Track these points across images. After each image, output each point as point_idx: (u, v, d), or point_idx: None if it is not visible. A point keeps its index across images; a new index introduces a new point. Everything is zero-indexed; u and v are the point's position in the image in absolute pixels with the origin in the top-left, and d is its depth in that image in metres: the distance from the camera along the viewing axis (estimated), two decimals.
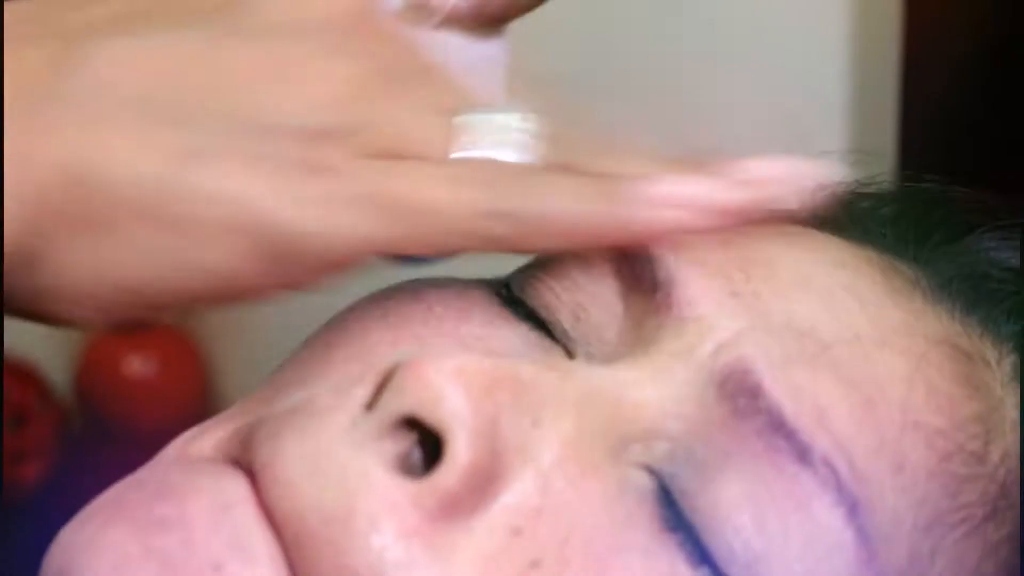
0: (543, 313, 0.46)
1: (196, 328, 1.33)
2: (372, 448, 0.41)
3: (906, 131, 0.87)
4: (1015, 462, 0.45)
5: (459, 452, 0.40)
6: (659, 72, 1.01)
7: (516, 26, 0.48)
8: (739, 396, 0.42)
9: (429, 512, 0.40)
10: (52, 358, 1.29)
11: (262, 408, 0.44)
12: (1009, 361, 0.47)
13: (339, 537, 0.40)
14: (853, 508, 0.42)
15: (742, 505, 0.42)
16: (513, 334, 0.46)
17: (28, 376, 1.26)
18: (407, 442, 0.41)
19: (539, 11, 0.48)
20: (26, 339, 1.23)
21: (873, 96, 0.92)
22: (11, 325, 1.24)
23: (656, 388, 0.43)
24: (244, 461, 0.42)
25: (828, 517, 0.42)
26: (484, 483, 0.40)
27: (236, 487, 0.41)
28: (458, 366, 0.41)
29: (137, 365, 1.30)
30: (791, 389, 0.42)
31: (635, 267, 0.45)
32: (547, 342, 0.46)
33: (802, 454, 0.42)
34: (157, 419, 1.24)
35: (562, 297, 0.46)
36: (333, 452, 0.41)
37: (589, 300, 0.46)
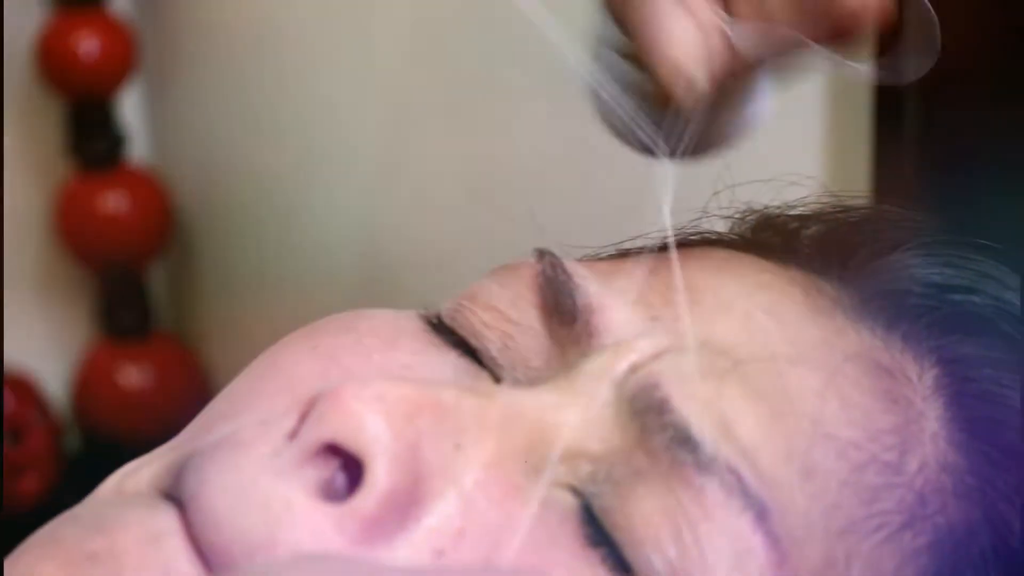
0: (472, 340, 0.48)
1: (193, 338, 1.35)
2: (294, 476, 0.42)
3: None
4: (935, 473, 0.46)
5: (379, 477, 0.41)
6: None
7: None
8: (648, 412, 0.44)
9: (351, 536, 0.41)
10: (49, 371, 1.30)
11: (194, 441, 0.45)
12: (931, 375, 0.48)
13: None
14: (761, 512, 0.43)
15: (657, 520, 0.43)
16: (442, 361, 0.47)
17: (25, 389, 1.27)
18: (330, 468, 0.42)
19: None
20: (23, 352, 1.25)
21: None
22: (7, 337, 1.25)
23: (577, 410, 0.45)
24: (175, 494, 0.43)
25: (737, 523, 0.43)
26: (406, 506, 0.42)
27: (166, 520, 0.42)
28: (378, 393, 0.42)
29: (134, 376, 1.30)
30: (697, 403, 0.44)
31: (558, 296, 0.47)
32: (475, 368, 0.47)
33: (707, 465, 0.43)
34: (155, 430, 1.25)
35: (490, 325, 0.48)
36: (256, 482, 0.42)
37: (515, 329, 0.48)
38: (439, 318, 0.49)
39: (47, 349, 1.30)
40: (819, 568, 0.44)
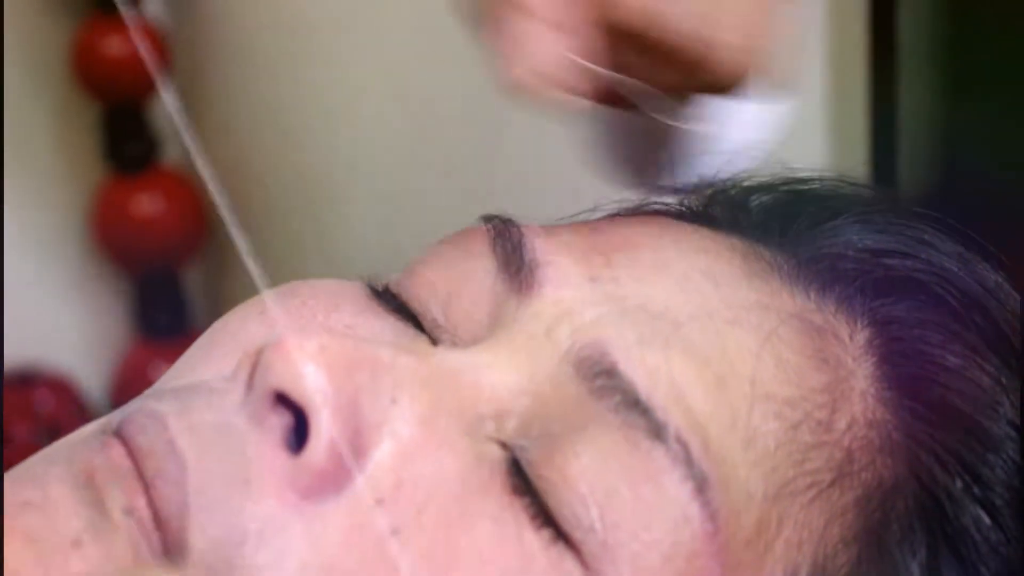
0: (414, 305, 0.49)
1: None
2: (263, 422, 0.44)
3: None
4: (863, 430, 0.47)
5: (322, 428, 0.43)
6: None
7: None
8: (596, 377, 0.45)
9: (304, 488, 0.43)
10: (87, 371, 1.32)
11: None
12: (863, 335, 0.49)
13: (235, 500, 0.43)
14: (702, 484, 0.44)
15: (590, 474, 0.44)
16: (382, 324, 0.49)
17: (64, 390, 1.29)
18: (288, 417, 0.44)
19: None
20: (60, 353, 1.27)
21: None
22: (47, 339, 1.27)
23: (510, 370, 0.46)
24: (121, 428, 0.44)
25: (676, 491, 0.44)
26: (349, 457, 0.43)
27: (101, 456, 0.44)
28: (320, 345, 0.44)
29: None
30: (646, 369, 0.45)
31: (507, 247, 0.48)
32: (413, 332, 0.49)
33: (657, 430, 0.44)
34: None
35: (437, 286, 0.49)
36: (235, 423, 0.44)
37: (463, 281, 0.49)
38: (385, 287, 0.50)
39: (85, 350, 1.33)
40: (752, 535, 0.45)
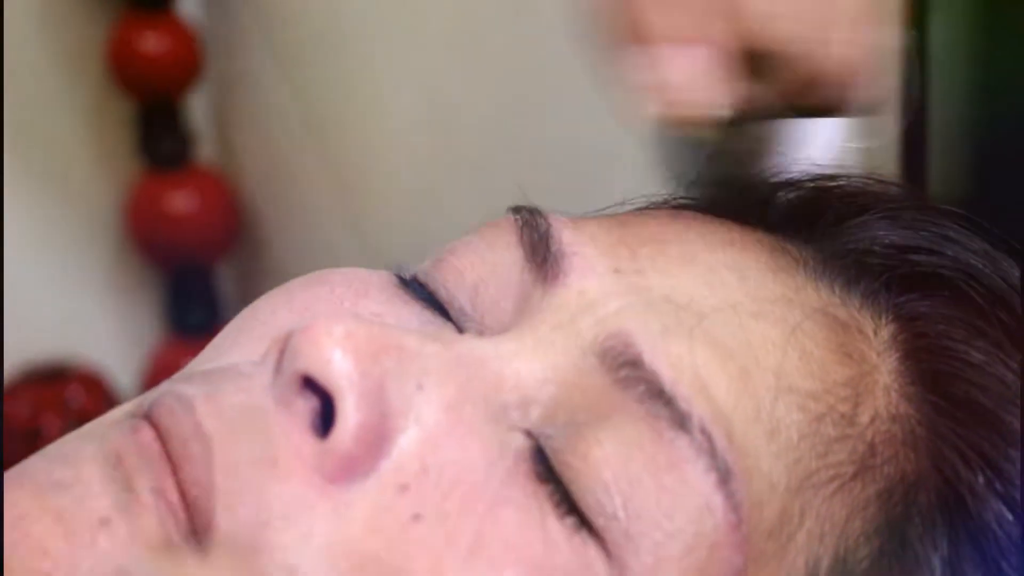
0: (441, 293, 0.50)
1: None
2: (291, 405, 0.44)
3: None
4: (885, 424, 0.47)
5: (349, 413, 0.43)
6: None
7: None
8: (621, 368, 0.45)
9: (329, 474, 0.44)
10: (119, 367, 1.33)
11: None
12: (888, 330, 0.49)
13: (262, 481, 0.43)
14: (725, 475, 0.44)
15: (613, 462, 0.44)
16: (409, 312, 0.49)
17: (95, 384, 1.30)
18: (315, 401, 0.44)
19: None
20: (93, 348, 1.28)
21: None
22: (79, 334, 1.28)
23: (535, 359, 0.46)
24: (150, 411, 0.45)
25: (700, 482, 0.44)
26: (374, 444, 0.44)
27: (131, 439, 0.44)
28: (348, 330, 0.44)
29: None
30: (669, 359, 0.45)
31: (534, 237, 0.49)
32: (440, 320, 0.49)
33: (681, 421, 0.44)
34: None
35: (465, 275, 0.50)
36: (262, 405, 0.44)
37: (490, 272, 0.49)
38: (413, 276, 0.51)
39: (117, 345, 1.33)
40: (774, 526, 0.45)
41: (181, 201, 1.31)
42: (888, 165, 0.79)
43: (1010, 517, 0.46)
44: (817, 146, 0.58)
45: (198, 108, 1.32)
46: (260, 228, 1.34)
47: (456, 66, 1.08)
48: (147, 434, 0.44)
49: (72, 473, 0.44)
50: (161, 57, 1.26)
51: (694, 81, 0.48)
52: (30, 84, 1.25)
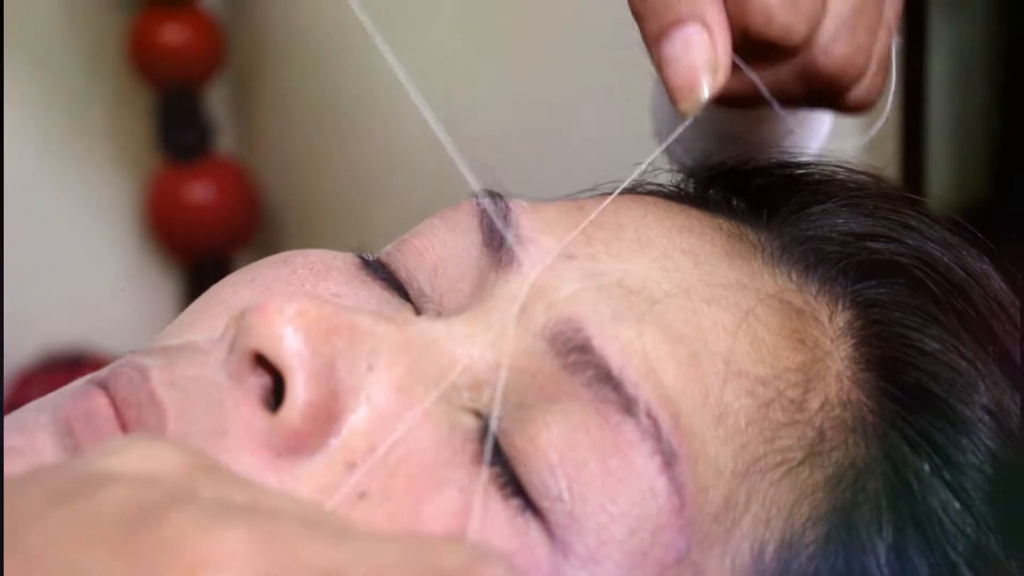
0: (401, 274, 0.50)
1: None
2: (243, 380, 0.45)
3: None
4: (836, 410, 0.47)
5: (298, 390, 0.44)
6: None
7: None
8: (570, 352, 0.46)
9: (276, 449, 0.44)
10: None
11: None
12: (843, 317, 0.49)
13: (212, 452, 0.43)
14: (670, 459, 0.44)
15: (560, 445, 0.44)
16: (368, 293, 0.50)
17: None
18: (267, 378, 0.45)
19: None
20: (112, 340, 1.29)
21: None
22: (97, 322, 1.29)
23: (486, 342, 0.46)
24: (106, 379, 0.45)
25: (644, 465, 0.44)
26: (323, 422, 0.44)
27: (82, 405, 0.45)
28: (300, 309, 0.45)
29: None
30: (619, 344, 0.45)
31: (492, 224, 0.49)
32: (398, 301, 0.49)
33: (627, 405, 0.45)
34: None
35: (425, 255, 0.50)
36: (216, 380, 0.45)
37: (450, 254, 0.50)
38: (376, 258, 0.51)
39: (135, 334, 1.34)
40: (719, 510, 0.45)
41: (201, 192, 1.32)
42: (888, 165, 0.79)
43: (957, 505, 0.46)
44: (809, 137, 0.58)
45: (218, 99, 1.32)
46: (279, 218, 1.35)
47: (475, 57, 1.09)
48: (100, 400, 0.45)
49: (26, 441, 0.44)
50: (181, 48, 1.27)
51: (703, 61, 0.49)
52: (52, 74, 1.26)
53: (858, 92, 0.54)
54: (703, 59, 0.49)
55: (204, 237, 1.32)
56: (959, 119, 0.94)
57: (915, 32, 0.90)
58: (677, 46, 0.49)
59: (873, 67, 0.54)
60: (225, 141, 1.33)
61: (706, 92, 0.49)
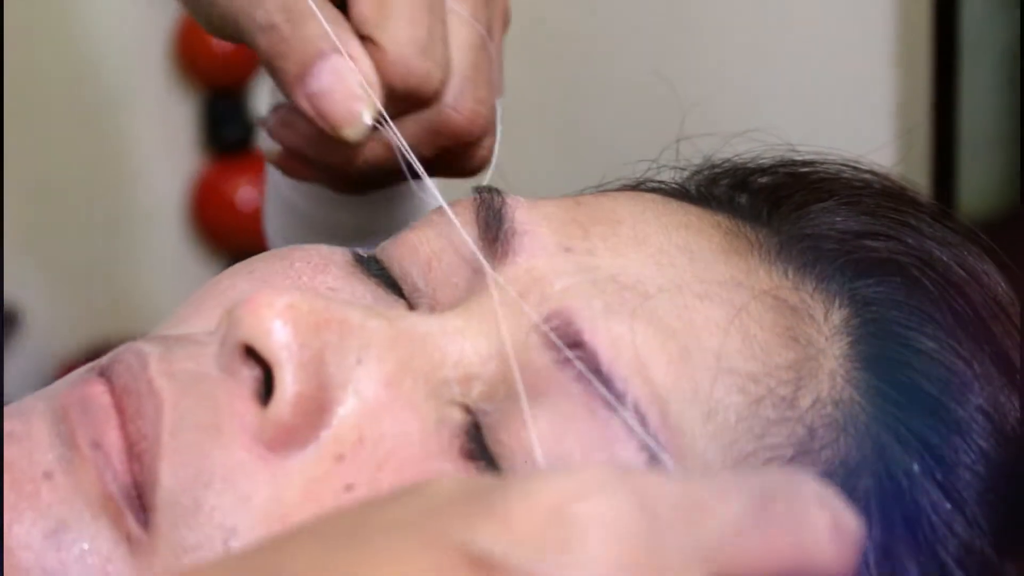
0: (395, 270, 0.50)
1: None
2: (237, 373, 0.45)
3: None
4: (827, 408, 0.47)
5: (287, 383, 0.44)
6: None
7: None
8: (561, 347, 0.46)
9: (270, 441, 0.44)
10: None
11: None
12: (839, 315, 0.49)
13: (206, 445, 0.44)
14: (656, 456, 0.44)
15: (546, 439, 0.44)
16: (363, 288, 0.50)
17: None
18: (259, 370, 0.45)
19: None
20: (127, 329, 1.30)
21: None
22: (144, 315, 1.30)
23: (479, 336, 0.47)
24: (106, 367, 0.46)
25: (631, 461, 0.44)
26: (313, 414, 0.44)
27: (78, 392, 0.45)
28: (289, 303, 0.45)
29: None
30: (610, 338, 0.45)
31: (488, 216, 0.49)
32: (392, 297, 0.50)
33: (615, 402, 0.44)
34: None
35: (419, 249, 0.50)
36: (210, 373, 0.45)
37: (444, 248, 0.50)
38: (372, 254, 0.51)
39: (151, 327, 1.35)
40: None
41: (246, 187, 1.33)
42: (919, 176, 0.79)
43: (948, 505, 0.46)
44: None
45: (263, 96, 1.33)
46: None
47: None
48: (97, 388, 0.45)
49: (23, 427, 0.45)
50: (227, 46, 1.28)
51: (355, 84, 0.51)
52: (100, 73, 1.27)
53: (482, 150, 0.57)
54: (355, 81, 0.51)
55: (248, 231, 1.33)
56: (991, 126, 0.93)
57: (947, 40, 0.90)
58: (325, 77, 0.51)
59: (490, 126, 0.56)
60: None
61: (367, 114, 0.51)
